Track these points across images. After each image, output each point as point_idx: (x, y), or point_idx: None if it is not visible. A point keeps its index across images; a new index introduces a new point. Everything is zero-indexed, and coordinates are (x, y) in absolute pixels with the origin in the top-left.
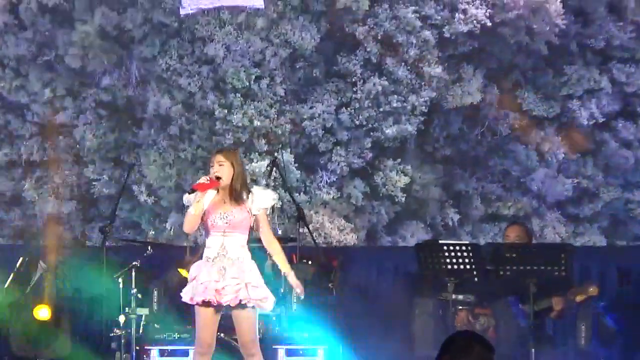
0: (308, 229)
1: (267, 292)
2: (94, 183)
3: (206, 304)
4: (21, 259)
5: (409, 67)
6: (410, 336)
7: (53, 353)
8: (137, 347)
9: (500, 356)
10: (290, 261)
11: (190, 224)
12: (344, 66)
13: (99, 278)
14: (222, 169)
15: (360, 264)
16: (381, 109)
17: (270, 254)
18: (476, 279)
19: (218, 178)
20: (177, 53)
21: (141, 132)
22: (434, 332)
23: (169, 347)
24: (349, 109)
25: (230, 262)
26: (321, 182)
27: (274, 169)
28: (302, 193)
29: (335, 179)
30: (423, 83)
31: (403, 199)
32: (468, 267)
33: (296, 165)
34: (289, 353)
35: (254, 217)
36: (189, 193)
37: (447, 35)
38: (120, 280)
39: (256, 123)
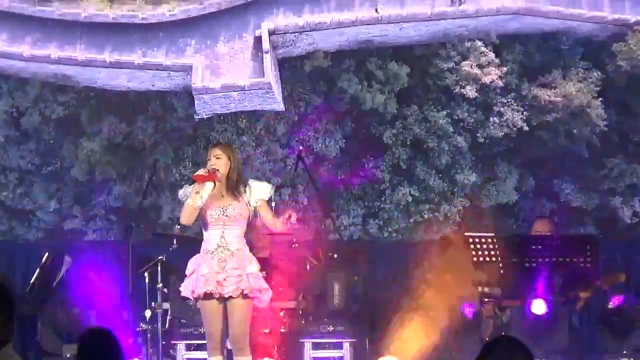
0: (334, 222)
1: (266, 284)
2: None
3: (208, 296)
4: (47, 254)
5: (440, 174)
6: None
7: None
8: (164, 342)
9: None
10: (316, 256)
11: (187, 215)
12: (370, 172)
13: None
14: (219, 162)
15: (383, 258)
16: (412, 219)
17: None
18: (502, 271)
19: (215, 170)
20: (191, 161)
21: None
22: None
23: (195, 342)
24: (376, 220)
25: (230, 254)
26: None
27: (299, 162)
28: None
29: None
30: (456, 190)
31: None
32: (494, 259)
33: None
34: (315, 347)
35: (253, 209)
36: (189, 184)
37: (480, 140)
38: (146, 274)
39: None
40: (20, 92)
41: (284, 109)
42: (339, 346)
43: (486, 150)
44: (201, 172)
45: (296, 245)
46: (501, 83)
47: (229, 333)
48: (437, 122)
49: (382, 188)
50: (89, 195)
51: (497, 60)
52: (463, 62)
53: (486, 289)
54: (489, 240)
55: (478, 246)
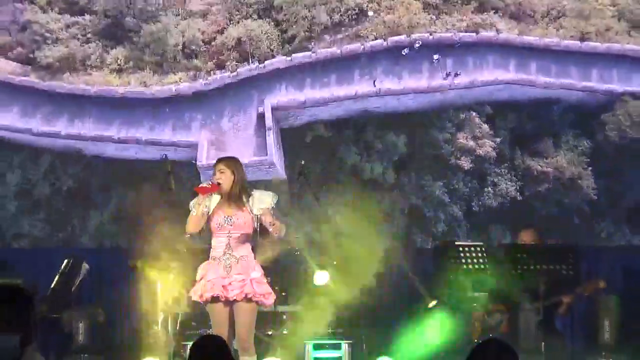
0: None
1: (269, 289)
2: None
3: (215, 299)
4: (66, 260)
5: (437, 242)
6: None
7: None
8: (175, 343)
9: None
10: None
11: (192, 224)
12: None
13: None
14: (223, 175)
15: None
16: None
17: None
18: (490, 278)
19: (218, 184)
20: None
21: None
22: None
23: None
24: None
25: (235, 260)
26: None
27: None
28: None
29: None
30: None
31: None
32: (482, 266)
33: None
34: (316, 347)
35: (257, 217)
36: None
37: (475, 208)
38: (158, 282)
39: None
40: (32, 164)
41: (285, 178)
42: (337, 347)
43: (481, 217)
44: (204, 184)
45: (297, 252)
46: (495, 154)
47: (235, 334)
48: (433, 192)
49: None
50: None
51: (490, 132)
52: (458, 134)
53: (475, 294)
54: (478, 249)
55: (468, 255)
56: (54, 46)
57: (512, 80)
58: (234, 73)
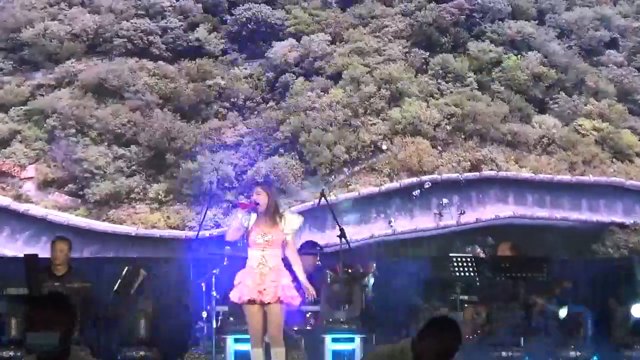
0: (348, 244)
1: (296, 292)
2: None
3: (251, 301)
4: (126, 267)
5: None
6: None
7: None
8: (217, 337)
9: (496, 343)
10: (334, 271)
11: (231, 233)
12: None
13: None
14: (260, 197)
15: (388, 272)
16: None
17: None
18: (478, 284)
19: (257, 203)
20: None
21: None
22: None
23: (241, 336)
24: None
25: (269, 270)
26: None
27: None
28: None
29: None
30: None
31: None
32: (472, 274)
33: None
34: (334, 340)
35: (285, 235)
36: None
37: None
38: (202, 284)
39: None
40: None
41: None
42: (352, 340)
43: None
44: (244, 200)
45: (319, 263)
46: None
47: (269, 332)
48: None
49: None
50: None
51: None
52: None
53: (466, 297)
54: (468, 259)
55: (460, 264)
56: (101, 182)
57: (512, 215)
58: None
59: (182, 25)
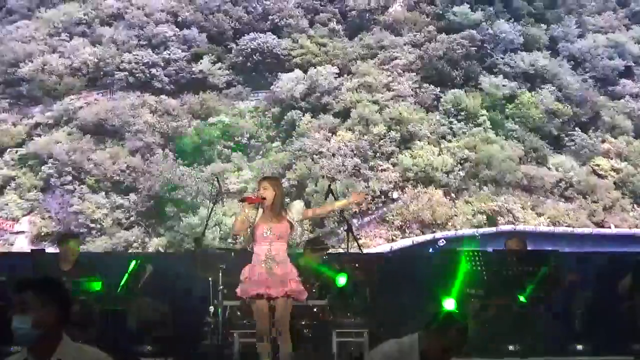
0: (355, 239)
1: (302, 287)
2: None
3: (259, 296)
4: (133, 262)
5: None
6: None
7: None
8: (224, 331)
9: (504, 335)
10: (341, 265)
11: (237, 226)
12: None
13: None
14: (266, 192)
15: (394, 268)
16: None
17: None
18: (485, 278)
19: (263, 198)
20: None
21: None
22: None
23: (248, 331)
24: None
25: (276, 264)
26: None
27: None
28: None
29: None
30: None
31: None
32: (479, 268)
33: None
34: (340, 335)
35: (295, 224)
36: (240, 202)
37: None
38: (210, 279)
39: None
40: None
41: None
42: (359, 334)
43: None
44: (250, 195)
45: (326, 257)
46: None
47: (274, 324)
48: None
49: None
50: None
51: None
52: None
53: (472, 291)
54: (476, 253)
55: (470, 259)
56: (97, 237)
57: None
58: None
59: (185, 56)
